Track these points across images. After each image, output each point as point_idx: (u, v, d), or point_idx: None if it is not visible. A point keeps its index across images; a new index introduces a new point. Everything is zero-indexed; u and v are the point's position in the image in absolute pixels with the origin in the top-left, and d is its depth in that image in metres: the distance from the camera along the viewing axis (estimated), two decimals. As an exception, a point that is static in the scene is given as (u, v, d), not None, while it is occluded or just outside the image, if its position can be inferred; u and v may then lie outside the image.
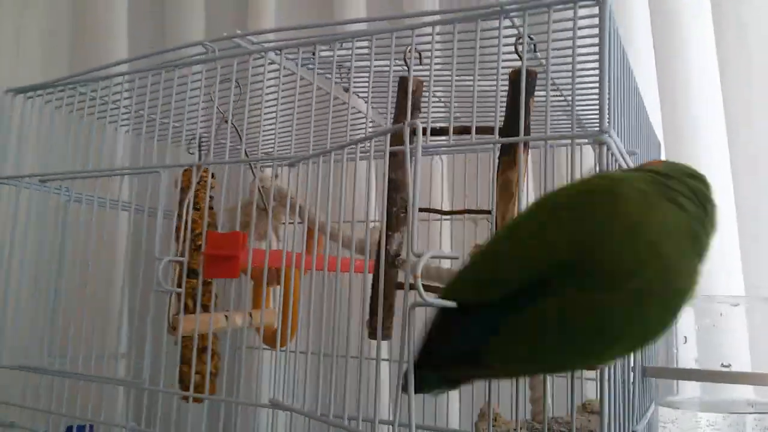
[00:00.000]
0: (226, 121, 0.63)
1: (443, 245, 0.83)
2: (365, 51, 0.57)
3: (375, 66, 0.55)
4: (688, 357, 0.59)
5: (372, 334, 0.51)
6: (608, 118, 0.42)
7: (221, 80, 0.63)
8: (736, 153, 0.83)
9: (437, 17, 0.53)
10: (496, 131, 0.49)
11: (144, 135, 0.72)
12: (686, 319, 0.59)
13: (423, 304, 0.35)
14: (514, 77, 0.51)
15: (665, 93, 0.85)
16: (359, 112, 0.78)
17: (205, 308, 0.66)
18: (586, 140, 0.44)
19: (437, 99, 0.69)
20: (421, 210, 0.55)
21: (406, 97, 0.53)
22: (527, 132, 0.50)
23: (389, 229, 0.53)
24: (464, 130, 0.51)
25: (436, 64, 0.56)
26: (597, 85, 0.44)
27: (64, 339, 0.70)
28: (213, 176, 0.80)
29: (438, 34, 0.53)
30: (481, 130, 0.50)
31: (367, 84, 0.55)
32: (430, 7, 0.91)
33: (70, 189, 0.74)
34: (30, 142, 0.76)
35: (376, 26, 0.59)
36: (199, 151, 0.79)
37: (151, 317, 0.62)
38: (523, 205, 0.48)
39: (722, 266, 0.77)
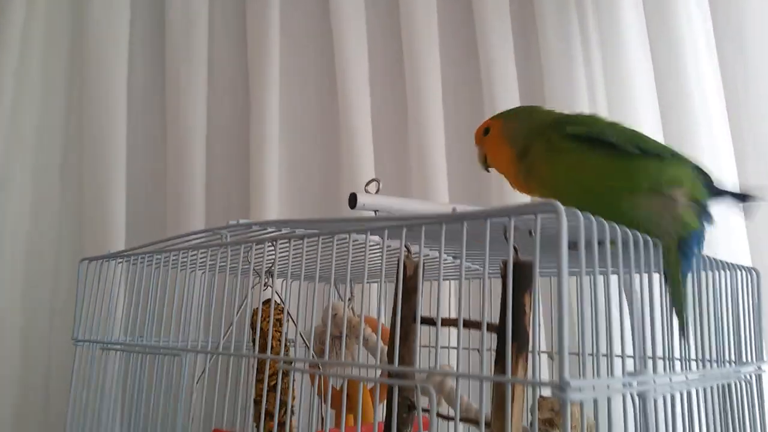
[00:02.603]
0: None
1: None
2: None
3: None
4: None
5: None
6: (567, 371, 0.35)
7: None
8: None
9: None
10: (483, 329, 0.47)
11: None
12: None
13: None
14: (504, 271, 0.47)
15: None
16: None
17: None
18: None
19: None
20: None
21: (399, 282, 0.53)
22: (522, 331, 0.48)
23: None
24: (451, 323, 0.49)
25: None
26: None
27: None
28: (289, 314, 0.75)
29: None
30: (469, 324, 0.49)
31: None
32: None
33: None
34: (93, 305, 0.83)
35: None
36: (272, 279, 0.76)
37: None
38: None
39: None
